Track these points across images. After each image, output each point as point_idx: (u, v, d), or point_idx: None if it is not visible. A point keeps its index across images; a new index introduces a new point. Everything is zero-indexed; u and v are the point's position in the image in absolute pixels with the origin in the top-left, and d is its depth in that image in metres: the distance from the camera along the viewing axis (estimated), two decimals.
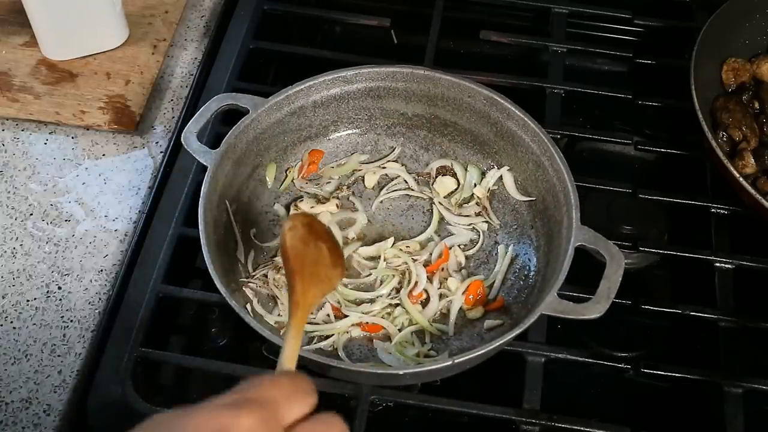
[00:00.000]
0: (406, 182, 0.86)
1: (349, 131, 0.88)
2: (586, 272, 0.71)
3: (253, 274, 0.79)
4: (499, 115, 0.82)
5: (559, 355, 0.76)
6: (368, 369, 0.71)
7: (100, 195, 0.88)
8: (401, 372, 0.69)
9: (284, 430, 0.46)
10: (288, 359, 0.54)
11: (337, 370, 0.69)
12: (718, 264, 0.82)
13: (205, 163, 0.76)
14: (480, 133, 0.85)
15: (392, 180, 0.86)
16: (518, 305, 0.78)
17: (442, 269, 0.81)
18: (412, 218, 0.85)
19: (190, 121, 0.79)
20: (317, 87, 0.83)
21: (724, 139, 0.88)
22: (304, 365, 0.68)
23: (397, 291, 0.79)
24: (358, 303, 0.79)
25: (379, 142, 0.89)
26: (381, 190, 0.86)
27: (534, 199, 0.83)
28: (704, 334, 0.80)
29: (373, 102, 0.86)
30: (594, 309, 0.68)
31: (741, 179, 0.80)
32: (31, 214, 0.86)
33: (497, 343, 0.67)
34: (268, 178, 0.86)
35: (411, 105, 0.86)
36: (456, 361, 0.66)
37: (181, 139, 0.78)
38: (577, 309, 0.69)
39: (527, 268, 0.81)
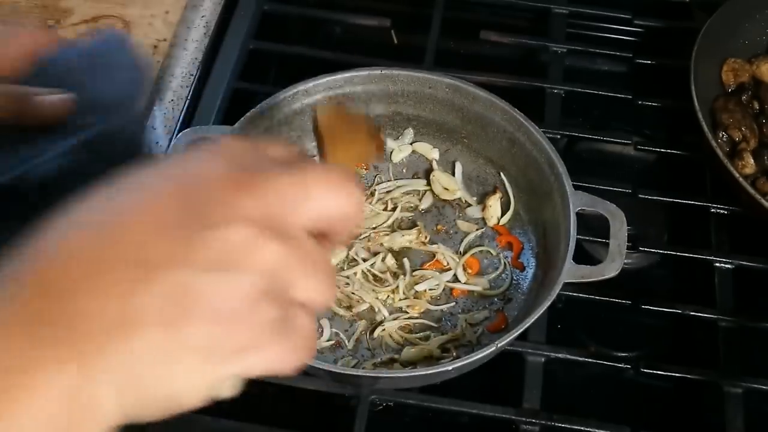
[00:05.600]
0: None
1: (315, 143, 0.87)
2: None
3: None
4: (464, 100, 0.83)
5: (559, 355, 0.76)
6: (423, 372, 0.69)
7: None
8: (450, 368, 0.67)
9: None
10: None
11: (388, 380, 0.70)
12: (717, 264, 0.83)
13: None
14: (445, 121, 0.86)
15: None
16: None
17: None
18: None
19: None
20: (279, 105, 0.81)
21: (724, 139, 0.88)
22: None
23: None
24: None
25: None
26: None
27: (513, 175, 0.83)
28: (704, 333, 0.80)
29: None
30: (611, 267, 0.71)
31: (740, 179, 0.80)
32: None
33: (535, 316, 0.68)
34: None
35: (372, 106, 0.85)
36: (500, 345, 0.67)
37: None
38: (596, 271, 0.71)
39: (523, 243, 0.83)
